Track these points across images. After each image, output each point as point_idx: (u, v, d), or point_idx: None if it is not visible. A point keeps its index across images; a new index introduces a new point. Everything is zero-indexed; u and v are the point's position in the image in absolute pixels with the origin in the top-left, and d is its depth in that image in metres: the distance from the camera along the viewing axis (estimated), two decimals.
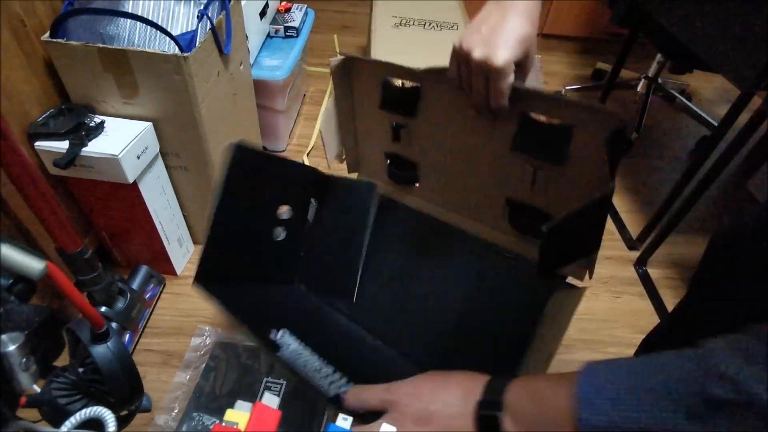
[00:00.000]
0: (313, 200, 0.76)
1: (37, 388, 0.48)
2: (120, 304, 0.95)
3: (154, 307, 1.05)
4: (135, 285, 0.95)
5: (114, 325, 0.86)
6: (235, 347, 0.98)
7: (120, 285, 0.94)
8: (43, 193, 0.76)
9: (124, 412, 0.53)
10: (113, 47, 0.80)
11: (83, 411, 0.44)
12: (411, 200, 0.74)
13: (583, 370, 0.35)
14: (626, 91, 1.85)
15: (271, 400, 0.97)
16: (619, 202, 1.43)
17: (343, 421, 0.93)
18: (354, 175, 0.81)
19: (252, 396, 0.91)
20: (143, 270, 0.97)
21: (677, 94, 1.80)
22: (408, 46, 1.47)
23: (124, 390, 0.49)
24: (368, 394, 0.47)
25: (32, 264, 0.39)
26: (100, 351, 0.47)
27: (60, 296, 0.41)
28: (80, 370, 0.49)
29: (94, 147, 0.82)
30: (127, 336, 0.94)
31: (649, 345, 0.76)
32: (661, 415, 0.30)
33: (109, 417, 0.44)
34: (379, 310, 0.71)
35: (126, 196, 0.90)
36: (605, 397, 0.32)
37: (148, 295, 1.02)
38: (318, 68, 1.83)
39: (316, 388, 0.52)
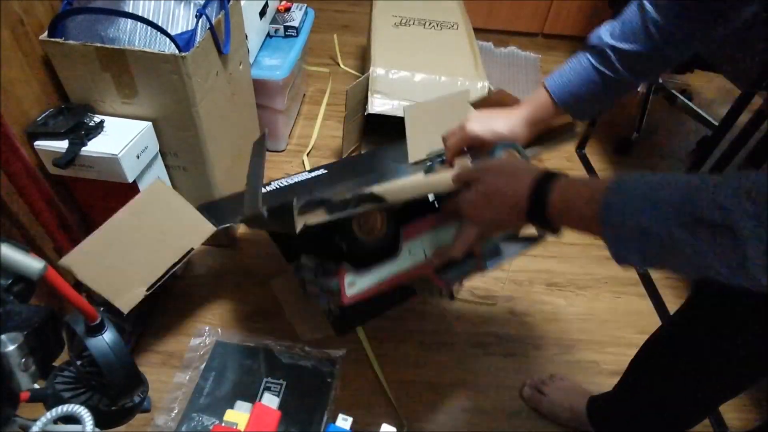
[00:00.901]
0: None
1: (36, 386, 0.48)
2: None
3: (154, 307, 1.05)
4: None
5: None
6: (235, 347, 0.98)
7: None
8: (42, 193, 0.76)
9: (128, 404, 0.53)
10: (111, 47, 0.80)
11: (58, 408, 0.43)
12: None
13: (613, 183, 0.43)
14: None
15: (271, 400, 0.97)
16: None
17: (343, 421, 0.93)
18: None
19: (252, 396, 0.91)
20: None
21: (678, 94, 1.80)
22: (408, 45, 1.47)
23: (122, 381, 0.49)
24: (470, 168, 0.59)
25: (32, 264, 0.39)
26: (96, 343, 0.47)
27: (59, 296, 0.41)
28: (78, 363, 0.49)
29: (94, 146, 0.81)
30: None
31: (651, 349, 0.76)
32: (654, 219, 0.39)
33: (86, 415, 0.43)
34: None
35: (125, 196, 0.89)
36: (622, 202, 0.42)
37: None
38: (318, 68, 1.82)
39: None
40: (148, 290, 0.79)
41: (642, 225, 0.40)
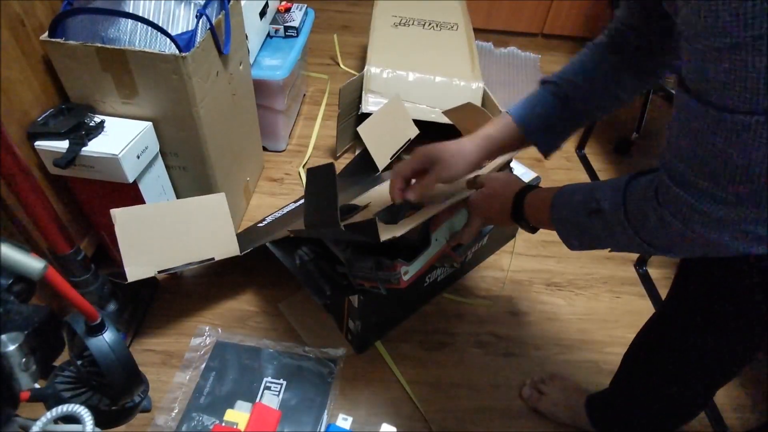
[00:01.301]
0: None
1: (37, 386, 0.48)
2: (112, 306, 0.94)
3: (154, 307, 1.05)
4: (128, 287, 0.94)
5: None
6: (235, 347, 0.98)
7: (113, 287, 0.94)
8: (38, 194, 0.76)
9: (128, 404, 0.53)
10: (111, 47, 0.80)
11: (58, 408, 0.43)
12: None
13: (558, 190, 0.60)
14: None
15: (271, 400, 0.97)
16: None
17: (343, 421, 0.93)
18: None
19: (252, 396, 0.91)
20: None
21: None
22: (405, 45, 1.47)
23: (122, 380, 0.49)
24: (480, 176, 0.77)
25: (32, 264, 0.39)
26: (96, 343, 0.47)
27: (59, 296, 0.41)
28: (78, 362, 0.49)
29: (94, 147, 0.82)
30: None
31: (642, 341, 0.76)
32: (574, 212, 0.56)
33: (86, 415, 0.43)
34: None
35: (126, 196, 0.90)
36: (560, 203, 0.59)
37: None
38: (318, 74, 1.82)
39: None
40: (158, 272, 0.87)
41: (567, 217, 0.57)
